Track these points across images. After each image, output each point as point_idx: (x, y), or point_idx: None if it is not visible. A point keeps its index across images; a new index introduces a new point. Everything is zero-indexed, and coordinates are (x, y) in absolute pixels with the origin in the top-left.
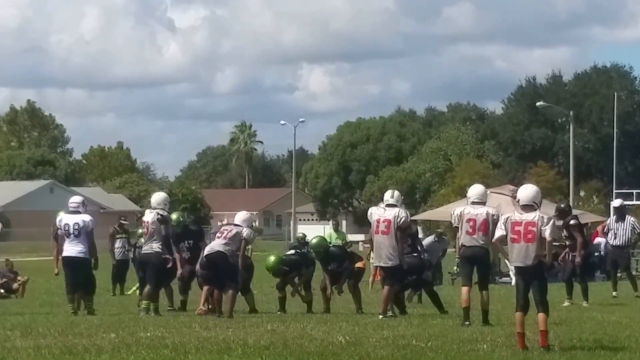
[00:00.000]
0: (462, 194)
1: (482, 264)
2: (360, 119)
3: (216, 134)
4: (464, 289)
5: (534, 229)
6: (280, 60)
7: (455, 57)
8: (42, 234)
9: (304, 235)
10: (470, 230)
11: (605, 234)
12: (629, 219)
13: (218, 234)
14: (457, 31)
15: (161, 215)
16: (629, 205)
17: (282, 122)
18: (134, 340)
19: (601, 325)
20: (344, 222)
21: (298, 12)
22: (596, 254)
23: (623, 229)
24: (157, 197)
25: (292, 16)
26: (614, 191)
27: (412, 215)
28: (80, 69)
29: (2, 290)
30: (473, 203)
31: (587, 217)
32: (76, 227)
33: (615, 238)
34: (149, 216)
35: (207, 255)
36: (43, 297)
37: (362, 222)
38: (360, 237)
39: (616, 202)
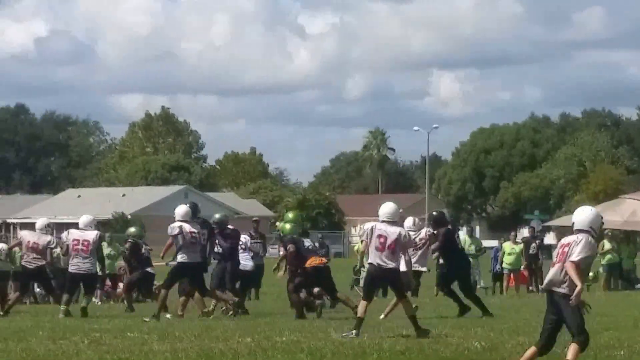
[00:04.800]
0: (597, 200)
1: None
2: (493, 125)
3: (347, 139)
4: None
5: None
6: (409, 66)
7: (586, 62)
8: None
9: None
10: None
11: None
12: None
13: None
14: (587, 37)
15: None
16: None
17: (416, 128)
18: (270, 345)
19: None
20: (477, 228)
21: (426, 18)
22: None
23: None
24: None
25: (420, 22)
26: None
27: (546, 221)
28: (211, 75)
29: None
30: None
31: None
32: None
33: None
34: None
35: None
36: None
37: (496, 228)
38: (494, 243)
39: None
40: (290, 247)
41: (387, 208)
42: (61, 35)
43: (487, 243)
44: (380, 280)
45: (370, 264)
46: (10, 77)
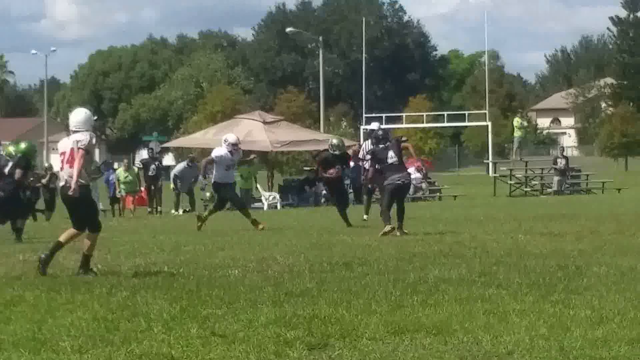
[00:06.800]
0: (214, 120)
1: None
2: (111, 48)
3: None
4: None
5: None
6: None
7: None
8: None
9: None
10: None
11: (362, 159)
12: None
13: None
14: None
15: None
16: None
17: (33, 51)
18: None
19: (351, 248)
20: (97, 151)
21: None
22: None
23: None
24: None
25: None
26: (364, 115)
27: (165, 142)
28: None
29: None
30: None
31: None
32: None
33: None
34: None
35: None
36: None
37: (115, 150)
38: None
39: (374, 125)
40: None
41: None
42: None
43: None
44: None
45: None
46: None
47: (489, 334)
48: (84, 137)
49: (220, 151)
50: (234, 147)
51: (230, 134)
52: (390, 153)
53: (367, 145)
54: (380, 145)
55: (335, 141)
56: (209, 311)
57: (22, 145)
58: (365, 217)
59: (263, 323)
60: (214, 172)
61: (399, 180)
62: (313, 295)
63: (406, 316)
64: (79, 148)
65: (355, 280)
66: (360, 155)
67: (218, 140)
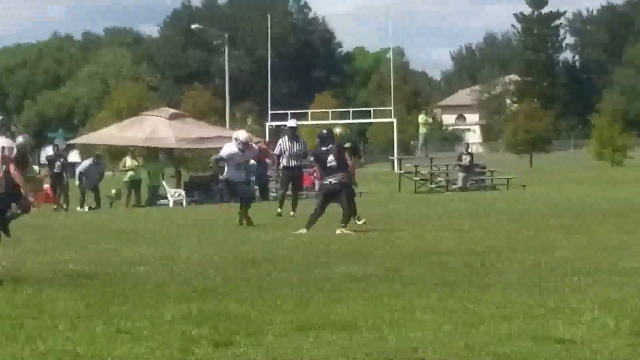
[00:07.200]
0: (120, 116)
1: None
2: (16, 45)
3: None
4: None
5: None
6: None
7: None
8: None
9: None
10: None
11: (278, 156)
12: (302, 139)
13: None
14: None
15: None
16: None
17: None
18: None
19: (257, 245)
20: None
21: None
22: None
23: (297, 149)
24: None
25: None
26: (270, 112)
27: (70, 139)
28: None
29: None
30: None
31: None
32: None
33: (290, 159)
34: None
35: None
36: None
37: None
38: None
39: (292, 122)
40: None
41: None
42: None
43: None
44: None
45: None
46: None
47: (395, 330)
48: (8, 146)
49: (230, 148)
50: (245, 145)
51: (241, 131)
52: (330, 157)
53: (284, 141)
54: (323, 148)
55: (338, 130)
56: (115, 308)
57: None
58: (279, 210)
59: (168, 320)
60: (226, 170)
61: (327, 181)
62: (219, 292)
63: (312, 313)
64: (5, 155)
65: (261, 277)
66: (277, 152)
67: (123, 137)
